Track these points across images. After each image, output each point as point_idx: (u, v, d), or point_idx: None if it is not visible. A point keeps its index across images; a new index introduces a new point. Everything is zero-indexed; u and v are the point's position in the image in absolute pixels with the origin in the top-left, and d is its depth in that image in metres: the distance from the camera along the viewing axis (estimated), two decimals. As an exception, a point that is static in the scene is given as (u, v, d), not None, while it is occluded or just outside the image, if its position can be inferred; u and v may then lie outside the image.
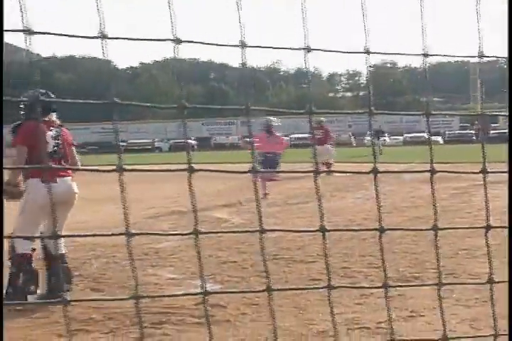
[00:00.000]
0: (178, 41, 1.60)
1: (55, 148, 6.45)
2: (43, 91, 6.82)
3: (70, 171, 6.50)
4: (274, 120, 15.14)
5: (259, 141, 13.16)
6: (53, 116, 6.63)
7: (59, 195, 6.02)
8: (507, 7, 1.92)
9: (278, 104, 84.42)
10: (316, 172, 1.78)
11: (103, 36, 1.54)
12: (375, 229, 1.85)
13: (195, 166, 1.69)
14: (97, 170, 1.78)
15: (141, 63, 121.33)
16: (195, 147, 60.70)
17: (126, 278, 6.89)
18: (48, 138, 6.41)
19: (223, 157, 36.27)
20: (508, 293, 2.16)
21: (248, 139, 1.97)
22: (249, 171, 1.73)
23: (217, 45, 1.71)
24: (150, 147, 62.35)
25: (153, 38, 1.64)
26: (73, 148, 6.78)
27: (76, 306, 5.82)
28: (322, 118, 22.47)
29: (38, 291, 6.35)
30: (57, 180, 6.19)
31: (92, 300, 5.42)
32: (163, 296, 6.25)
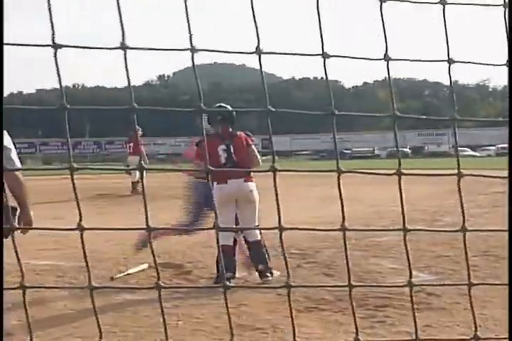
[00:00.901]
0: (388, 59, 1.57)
1: (226, 159, 6.51)
2: (226, 106, 7.00)
3: (245, 173, 6.44)
4: None
5: None
6: (229, 128, 6.67)
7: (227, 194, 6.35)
8: (507, 8, 1.70)
9: (487, 117, 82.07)
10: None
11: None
12: None
13: (405, 171, 1.67)
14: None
15: (365, 83, 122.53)
16: (410, 154, 59.77)
17: (352, 266, 6.90)
18: (220, 152, 6.51)
19: (434, 164, 35.32)
20: (508, 292, 1.91)
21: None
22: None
23: (428, 60, 1.67)
24: (371, 154, 62.08)
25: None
26: (252, 149, 6.67)
27: (311, 288, 5.94)
28: None
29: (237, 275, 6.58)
30: (228, 181, 6.34)
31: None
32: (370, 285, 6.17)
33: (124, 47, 1.41)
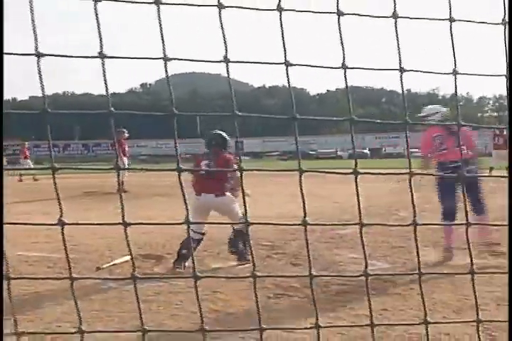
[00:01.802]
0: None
1: (205, 172, 6.68)
2: (221, 132, 7.09)
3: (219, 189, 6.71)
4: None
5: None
6: (221, 150, 6.92)
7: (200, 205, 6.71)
8: (507, 8, 1.71)
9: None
10: None
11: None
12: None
13: (362, 171, 1.66)
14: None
15: (328, 90, 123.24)
16: (369, 155, 60.23)
17: (317, 256, 6.94)
18: (203, 166, 6.80)
19: (390, 163, 35.52)
20: (508, 293, 1.93)
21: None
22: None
23: (381, 69, 1.66)
24: (334, 155, 62.30)
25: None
26: (233, 168, 6.88)
27: (277, 278, 5.95)
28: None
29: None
30: (202, 194, 6.66)
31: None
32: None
33: (102, 56, 1.38)
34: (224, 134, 7.06)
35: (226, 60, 1.45)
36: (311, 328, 1.76)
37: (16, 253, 7.24)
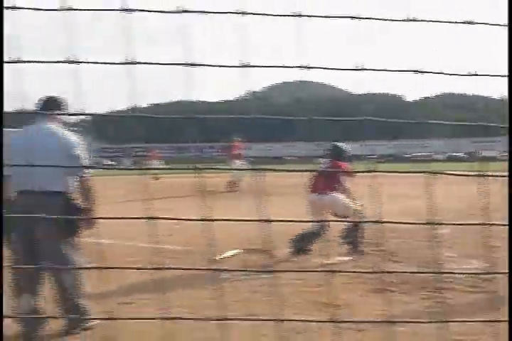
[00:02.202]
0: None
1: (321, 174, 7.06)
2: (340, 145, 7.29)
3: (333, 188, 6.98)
4: None
5: None
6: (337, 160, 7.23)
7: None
8: (507, 8, 1.56)
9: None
10: None
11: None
12: None
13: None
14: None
15: (426, 97, 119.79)
16: (465, 159, 58.16)
17: (415, 254, 6.80)
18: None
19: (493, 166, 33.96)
20: (508, 293, 1.75)
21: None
22: None
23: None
24: (430, 158, 60.42)
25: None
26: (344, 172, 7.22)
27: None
28: None
29: None
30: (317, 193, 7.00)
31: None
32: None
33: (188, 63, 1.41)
34: (342, 145, 7.42)
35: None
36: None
37: (153, 245, 7.50)
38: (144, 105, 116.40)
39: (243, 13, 1.46)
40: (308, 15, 1.50)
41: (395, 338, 3.73)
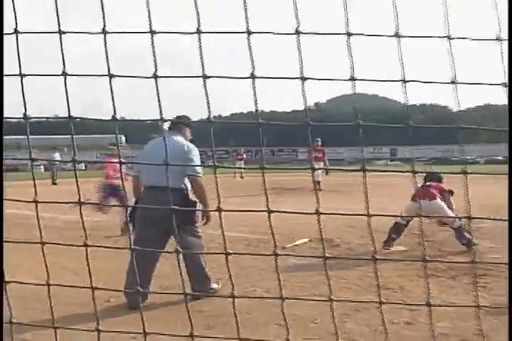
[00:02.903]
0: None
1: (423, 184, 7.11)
2: None
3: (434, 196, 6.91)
4: None
5: None
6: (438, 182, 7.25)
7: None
8: (507, 9, 1.53)
9: None
10: None
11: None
12: None
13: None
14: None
15: (467, 108, 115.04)
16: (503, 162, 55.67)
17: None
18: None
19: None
20: (508, 293, 1.72)
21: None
22: None
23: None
24: (472, 161, 58.25)
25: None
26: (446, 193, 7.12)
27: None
28: None
29: None
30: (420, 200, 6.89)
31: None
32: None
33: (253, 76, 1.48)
34: (437, 172, 7.84)
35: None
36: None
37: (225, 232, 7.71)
38: (227, 114, 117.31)
39: (302, 32, 1.49)
40: (357, 34, 1.50)
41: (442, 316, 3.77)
